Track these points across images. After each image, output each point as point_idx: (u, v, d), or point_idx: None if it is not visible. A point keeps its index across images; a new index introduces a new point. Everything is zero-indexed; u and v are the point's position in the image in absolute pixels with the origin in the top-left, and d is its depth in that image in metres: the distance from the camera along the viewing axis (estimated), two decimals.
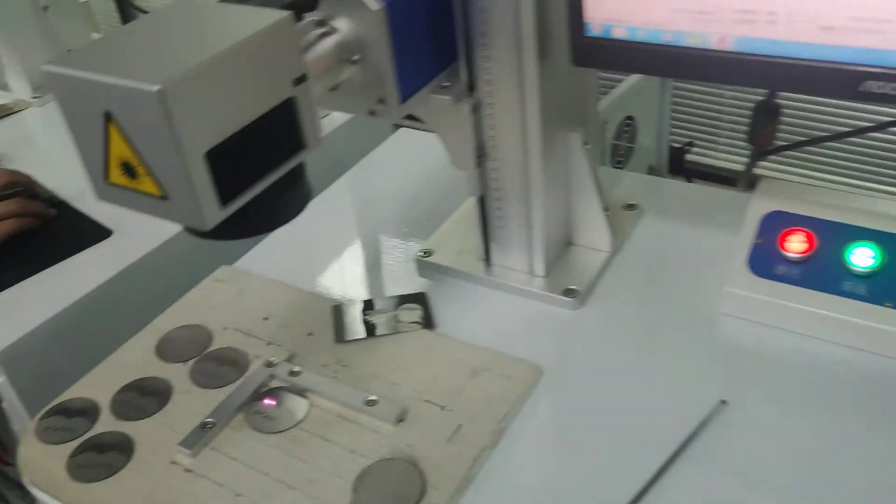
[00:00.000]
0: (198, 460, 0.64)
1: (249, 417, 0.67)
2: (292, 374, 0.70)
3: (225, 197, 0.50)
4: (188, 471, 0.63)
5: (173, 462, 0.64)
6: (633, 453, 0.62)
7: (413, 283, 0.81)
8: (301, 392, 0.69)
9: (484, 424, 0.65)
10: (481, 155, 0.74)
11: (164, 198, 0.49)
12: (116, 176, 0.51)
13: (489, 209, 0.77)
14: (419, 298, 0.78)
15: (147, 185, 0.49)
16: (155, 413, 0.69)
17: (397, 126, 1.09)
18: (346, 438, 0.65)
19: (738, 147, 2.33)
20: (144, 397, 0.70)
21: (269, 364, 0.71)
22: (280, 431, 0.66)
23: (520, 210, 0.75)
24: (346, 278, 0.83)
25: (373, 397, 0.67)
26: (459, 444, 0.63)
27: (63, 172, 1.05)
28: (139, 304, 0.83)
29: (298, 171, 0.58)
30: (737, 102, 2.27)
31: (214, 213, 0.50)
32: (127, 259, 0.88)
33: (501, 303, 0.78)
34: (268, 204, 0.55)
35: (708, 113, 2.35)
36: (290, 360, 0.72)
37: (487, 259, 0.81)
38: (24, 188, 0.95)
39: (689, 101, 2.35)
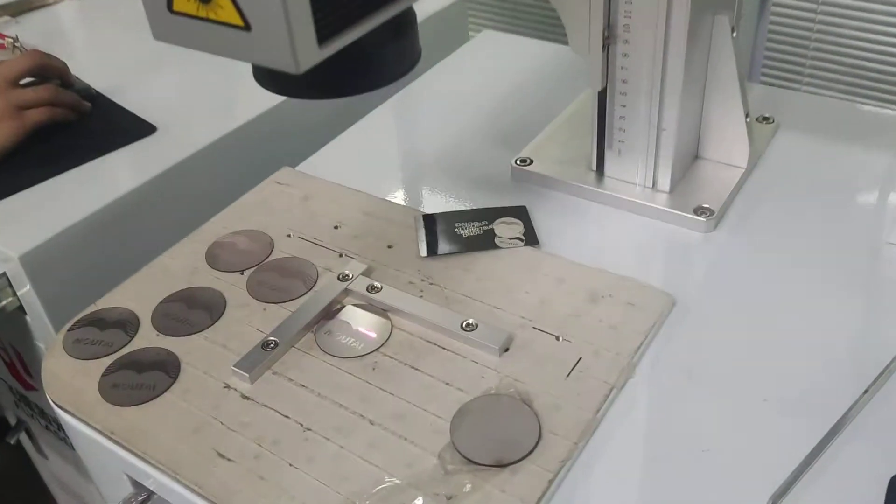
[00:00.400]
0: (257, 386, 0.52)
1: (320, 338, 0.55)
2: (371, 290, 0.58)
3: (323, 33, 0.37)
4: (245, 398, 0.52)
5: (227, 386, 0.52)
6: (788, 403, 0.49)
7: (509, 196, 0.68)
8: (382, 311, 0.57)
9: (610, 359, 0.52)
10: (608, 37, 0.60)
11: (246, 28, 0.37)
12: (184, 2, 0.38)
13: (611, 107, 0.64)
14: (519, 212, 0.65)
15: (225, 12, 0.37)
16: (205, 329, 0.57)
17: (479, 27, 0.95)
18: (439, 368, 0.52)
19: None
20: (193, 310, 0.58)
21: (343, 277, 0.59)
22: (358, 356, 0.54)
23: (649, 108, 0.62)
24: (430, 187, 0.71)
25: (471, 321, 0.54)
26: (582, 381, 0.51)
27: (100, 66, 0.93)
28: (186, 209, 0.71)
29: (408, 21, 0.45)
30: None
31: (309, 52, 0.37)
32: (172, 158, 0.76)
33: (616, 220, 0.65)
34: (371, 55, 0.42)
35: None
36: (367, 274, 0.60)
37: (600, 169, 0.68)
38: (57, 75, 0.83)
39: None
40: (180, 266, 0.63)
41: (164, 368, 0.54)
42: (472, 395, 0.50)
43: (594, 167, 0.68)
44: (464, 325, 0.54)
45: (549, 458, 0.46)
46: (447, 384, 0.51)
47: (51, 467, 0.99)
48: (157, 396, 0.52)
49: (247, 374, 0.52)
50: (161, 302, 0.60)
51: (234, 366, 0.53)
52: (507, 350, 0.53)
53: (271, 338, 0.55)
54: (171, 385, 0.53)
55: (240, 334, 0.56)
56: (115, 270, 0.63)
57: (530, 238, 0.63)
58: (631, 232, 0.64)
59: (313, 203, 0.68)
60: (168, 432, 0.50)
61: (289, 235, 0.65)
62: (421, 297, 0.58)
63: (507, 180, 0.71)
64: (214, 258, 0.63)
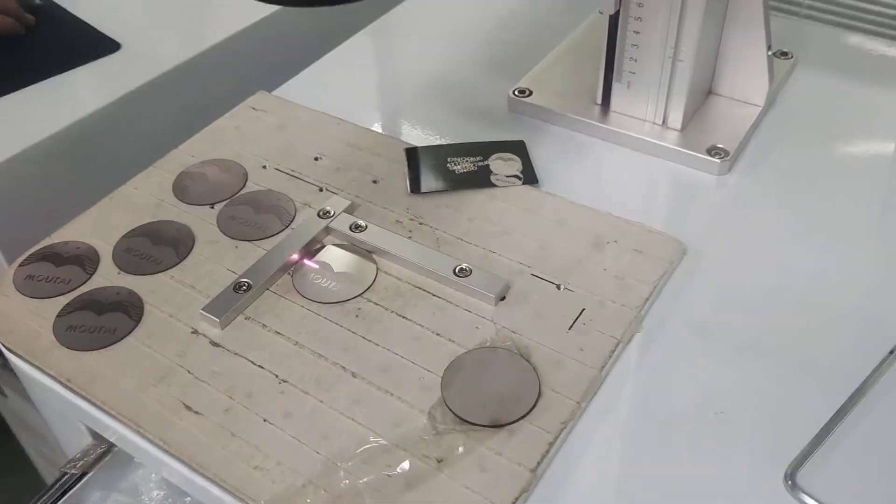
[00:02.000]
0: (228, 332, 0.47)
1: (297, 280, 0.50)
2: (355, 228, 0.53)
3: None
4: (215, 345, 0.47)
5: (195, 332, 0.48)
6: (807, 362, 0.45)
7: (505, 129, 0.63)
8: (367, 253, 0.52)
9: (616, 311, 0.48)
10: None
11: None
12: None
13: (622, 33, 0.58)
14: (516, 147, 0.60)
15: None
16: (171, 267, 0.52)
17: None
18: (429, 317, 0.48)
19: None
20: (158, 246, 0.53)
21: (324, 214, 0.54)
22: (339, 302, 0.49)
23: (665, 36, 0.56)
24: (419, 117, 0.65)
25: (464, 265, 0.50)
26: (585, 335, 0.46)
27: None
28: (152, 135, 0.65)
29: None
30: None
31: None
32: (137, 78, 0.70)
33: (622, 159, 0.60)
34: None
35: None
36: (350, 211, 0.55)
37: (605, 103, 0.62)
38: None
39: None
40: (145, 197, 0.57)
41: (126, 310, 0.49)
42: (465, 347, 0.46)
43: (599, 101, 0.63)
44: (457, 270, 0.49)
45: (550, 418, 0.42)
46: (438, 335, 0.47)
47: (9, 404, 0.94)
48: (118, 341, 0.47)
49: (217, 319, 0.47)
50: (123, 236, 0.54)
51: (203, 309, 0.48)
52: (503, 299, 0.49)
53: (244, 279, 0.49)
54: (133, 329, 0.48)
55: (209, 274, 0.51)
56: (72, 201, 0.57)
57: (529, 176, 0.58)
58: (638, 172, 0.59)
59: (291, 131, 0.63)
60: (130, 380, 0.45)
61: (264, 167, 0.59)
62: (409, 238, 0.53)
63: (504, 113, 0.65)
64: (182, 190, 0.58)
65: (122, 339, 0.47)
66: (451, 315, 0.48)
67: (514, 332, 0.47)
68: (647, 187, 0.58)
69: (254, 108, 0.65)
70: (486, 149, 0.60)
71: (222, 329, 0.48)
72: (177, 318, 0.48)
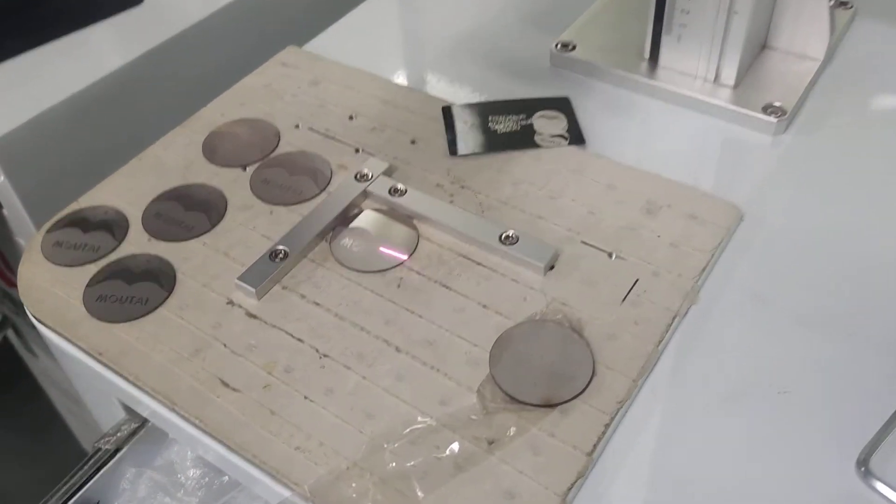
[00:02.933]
0: (265, 303, 0.45)
1: (336, 248, 0.48)
2: (394, 192, 0.50)
3: None
4: (252, 316, 0.45)
5: (230, 302, 0.46)
6: (878, 338, 0.42)
7: (547, 85, 0.60)
8: (407, 218, 0.49)
9: (671, 281, 0.45)
10: None
11: None
12: None
13: None
14: (561, 105, 0.57)
15: None
16: (203, 233, 0.50)
17: None
18: (475, 287, 0.45)
19: None
20: (189, 211, 0.51)
21: (362, 177, 0.51)
22: (380, 271, 0.47)
23: None
24: (456, 73, 0.62)
25: (510, 232, 0.47)
26: (639, 307, 0.44)
27: None
28: (179, 93, 0.62)
29: None
30: None
31: None
32: (162, 33, 0.67)
33: (671, 118, 0.57)
34: None
35: None
36: (388, 174, 0.52)
37: (654, 58, 0.59)
38: None
39: None
40: (174, 159, 0.55)
41: (158, 279, 0.47)
42: (513, 320, 0.44)
43: (647, 55, 0.59)
44: (502, 237, 0.47)
45: (605, 397, 0.40)
46: (484, 307, 0.44)
47: (41, 365, 0.94)
48: (151, 312, 0.46)
49: (253, 289, 0.45)
50: (153, 201, 0.52)
51: (239, 279, 0.46)
52: (552, 268, 0.46)
53: (280, 246, 0.47)
54: (165, 299, 0.46)
55: (243, 241, 0.49)
56: (100, 162, 0.55)
57: (575, 136, 0.55)
58: (688, 132, 0.56)
59: (324, 88, 0.60)
60: (163, 354, 0.43)
61: (297, 126, 0.57)
62: (451, 202, 0.50)
63: (546, 68, 0.62)
64: (212, 151, 0.55)
65: (155, 309, 0.46)
66: (498, 285, 0.45)
67: (564, 305, 0.44)
68: (699, 148, 0.55)
69: (284, 64, 0.62)
70: (529, 106, 0.57)
71: (258, 299, 0.46)
72: (211, 288, 0.46)
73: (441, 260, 0.47)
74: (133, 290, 0.47)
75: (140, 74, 0.65)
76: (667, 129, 0.56)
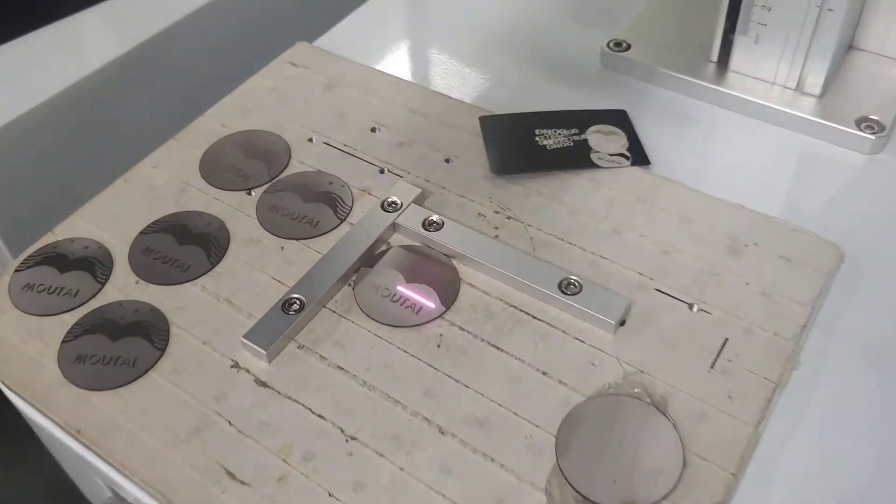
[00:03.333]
0: (278, 366, 0.38)
1: (361, 295, 0.40)
2: (429, 226, 0.42)
3: None
4: (262, 384, 0.37)
5: (235, 365, 0.38)
6: None
7: (598, 91, 0.52)
8: (445, 258, 0.42)
9: (767, 342, 0.37)
10: None
11: None
12: None
13: None
14: (617, 118, 0.49)
15: None
16: (202, 274, 0.42)
17: None
18: (532, 348, 0.38)
19: None
20: (184, 246, 0.43)
21: (390, 205, 0.43)
22: (415, 326, 0.39)
23: None
24: (492, 76, 0.54)
25: (573, 278, 0.39)
26: (732, 376, 0.36)
27: None
28: (172, 98, 0.54)
29: None
30: None
31: None
32: (152, 26, 0.58)
33: (745, 132, 0.49)
34: None
35: None
36: (420, 201, 0.44)
37: (723, 61, 0.51)
38: None
39: None
40: (166, 179, 0.47)
41: (147, 334, 0.39)
42: (581, 392, 0.36)
43: (715, 57, 0.51)
44: (563, 284, 0.39)
45: (700, 498, 0.32)
46: (544, 374, 0.37)
47: None
48: (139, 377, 0.38)
49: (263, 351, 0.37)
50: (141, 232, 0.44)
51: (245, 336, 0.38)
52: (623, 323, 0.38)
53: (294, 295, 0.39)
54: (157, 360, 0.38)
55: (250, 285, 0.41)
56: (79, 182, 0.47)
57: (638, 155, 0.47)
58: (766, 149, 0.48)
59: (341, 94, 0.51)
60: (155, 434, 0.36)
61: (310, 139, 0.49)
62: (496, 237, 0.42)
63: (596, 70, 0.54)
64: (212, 169, 0.47)
65: (144, 374, 0.38)
66: (559, 346, 0.38)
67: (641, 372, 0.36)
68: (780, 169, 0.47)
69: (293, 64, 0.54)
70: (582, 119, 0.49)
71: (269, 363, 0.38)
72: (212, 347, 0.39)
73: (488, 312, 0.39)
74: (118, 347, 0.39)
75: (128, 73, 0.57)
76: (740, 146, 0.48)
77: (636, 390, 0.36)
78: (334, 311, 0.40)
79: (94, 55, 0.55)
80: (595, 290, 0.39)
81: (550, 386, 0.36)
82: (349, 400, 0.36)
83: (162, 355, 0.38)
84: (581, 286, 0.39)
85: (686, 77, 0.51)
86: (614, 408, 0.35)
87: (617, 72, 0.53)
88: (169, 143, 0.49)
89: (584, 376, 0.36)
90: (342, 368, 0.37)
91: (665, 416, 0.35)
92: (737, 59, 0.50)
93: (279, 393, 0.37)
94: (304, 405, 0.36)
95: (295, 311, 0.39)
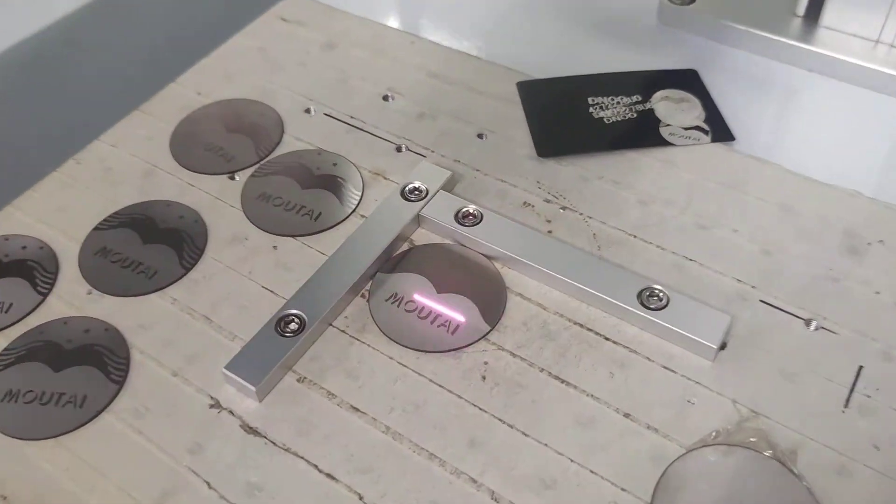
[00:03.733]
0: (271, 406, 0.28)
1: (379, 311, 0.31)
2: (463, 218, 0.33)
3: None
4: (251, 430, 0.28)
5: (216, 405, 0.28)
6: None
7: (657, 52, 0.42)
8: (486, 260, 0.32)
9: None
10: None
11: None
12: None
13: None
14: (687, 80, 0.40)
15: None
16: (173, 282, 0.32)
17: None
18: (606, 381, 0.28)
19: None
20: (151, 245, 0.34)
21: (412, 194, 0.34)
22: (452, 350, 0.29)
23: None
24: (529, 33, 0.44)
25: (657, 288, 0.30)
26: (873, 417, 0.27)
27: None
28: (138, 59, 0.44)
29: None
30: None
31: None
32: None
33: (841, 100, 0.40)
34: None
35: None
36: (450, 187, 0.35)
37: (812, 15, 0.42)
38: None
39: None
40: (128, 161, 0.37)
41: (101, 361, 0.30)
42: (677, 441, 0.27)
43: (802, 11, 0.42)
44: (644, 295, 0.30)
45: None
46: (626, 416, 0.28)
47: None
48: (90, 420, 0.28)
49: (251, 387, 0.28)
50: (96, 228, 0.34)
51: (229, 367, 0.29)
52: (723, 347, 0.29)
53: (292, 311, 0.30)
54: (113, 397, 0.29)
55: (234, 296, 0.32)
56: (19, 163, 0.37)
57: (718, 128, 0.37)
58: (874, 124, 0.39)
59: (344, 55, 0.42)
60: (109, 498, 0.26)
61: (307, 111, 0.39)
62: (549, 233, 0.33)
63: (653, 26, 0.44)
64: (186, 148, 0.38)
65: (96, 416, 0.28)
66: (643, 377, 0.29)
67: (754, 413, 0.27)
68: (890, 145, 0.38)
69: (284, 20, 0.44)
70: (644, 82, 0.40)
71: (261, 401, 0.28)
72: (184, 379, 0.29)
73: (546, 332, 0.30)
74: (62, 380, 0.29)
75: (85, 31, 0.47)
76: (837, 119, 0.39)
77: (752, 439, 0.27)
78: (344, 332, 0.30)
79: (41, 8, 0.45)
80: (686, 304, 0.30)
81: (636, 433, 0.27)
82: (368, 453, 0.27)
83: (120, 391, 0.29)
84: (667, 298, 0.30)
85: (765, 34, 0.42)
86: (726, 464, 0.26)
87: (678, 28, 0.44)
88: (132, 116, 0.39)
89: (680, 419, 0.27)
90: (357, 409, 0.28)
91: (794, 474, 0.26)
92: (830, 13, 0.41)
93: (274, 444, 0.27)
94: (307, 460, 0.27)
95: (293, 331, 0.30)
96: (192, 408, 0.29)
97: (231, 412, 0.28)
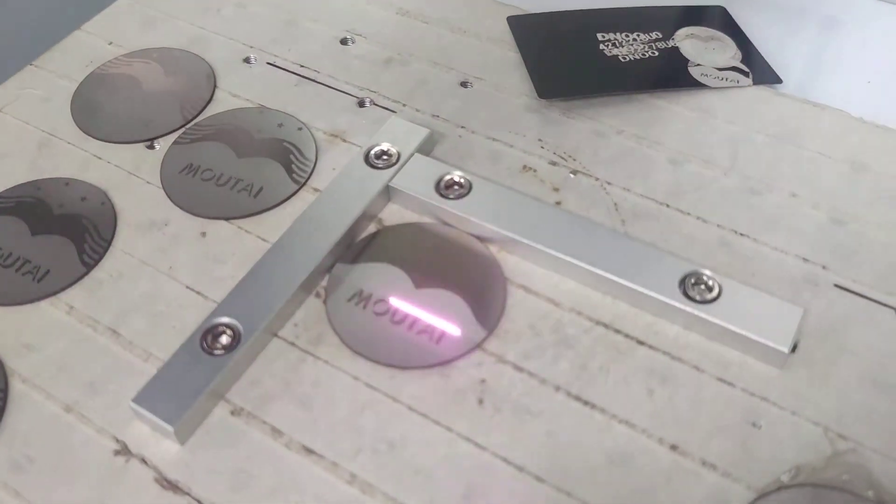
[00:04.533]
0: (195, 450, 0.21)
1: (339, 314, 0.23)
2: (446, 188, 0.25)
3: None
4: (169, 486, 0.20)
5: (122, 451, 0.21)
6: None
7: None
8: (477, 243, 0.25)
9: None
10: None
11: None
12: None
13: None
14: (714, 18, 0.32)
15: None
16: (69, 286, 0.25)
17: None
18: (643, 399, 0.21)
19: None
20: (41, 237, 0.26)
21: (380, 159, 0.26)
22: (437, 365, 0.22)
23: None
24: None
25: (705, 274, 0.23)
26: None
27: None
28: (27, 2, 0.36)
29: None
30: None
31: None
32: None
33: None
34: None
35: None
36: (427, 149, 0.27)
37: None
38: None
39: None
40: (16, 128, 0.29)
41: None
42: (743, 482, 0.20)
43: None
44: (688, 282, 0.23)
45: None
46: (673, 449, 0.20)
47: None
48: None
49: (169, 427, 0.21)
50: None
51: (138, 400, 0.21)
52: (794, 349, 0.22)
53: (224, 319, 0.22)
54: None
55: (149, 300, 0.24)
56: None
57: (761, 68, 0.30)
58: None
59: None
60: None
61: (246, 60, 0.31)
62: (558, 203, 0.26)
63: None
64: (91, 111, 0.30)
65: None
66: (690, 394, 0.21)
67: (841, 436, 0.20)
68: None
69: None
70: (663, 18, 0.32)
71: (182, 443, 0.21)
72: (81, 416, 0.22)
73: (561, 336, 0.23)
74: None
75: None
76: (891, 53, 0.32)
77: (845, 477, 0.20)
78: (294, 344, 0.23)
79: None
80: (742, 293, 0.23)
81: (688, 472, 0.20)
82: (325, 498, 0.20)
83: None
84: (718, 286, 0.23)
85: None
86: None
87: None
88: (23, 73, 0.31)
89: (745, 451, 0.20)
90: (312, 452, 0.21)
91: None
92: None
93: (200, 503, 0.20)
94: None
95: (224, 346, 0.22)
96: (90, 456, 0.21)
97: (143, 460, 0.21)
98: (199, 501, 0.20)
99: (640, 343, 0.23)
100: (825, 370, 0.22)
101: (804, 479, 0.20)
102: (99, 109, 0.30)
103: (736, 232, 0.25)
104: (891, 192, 0.26)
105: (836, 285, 0.24)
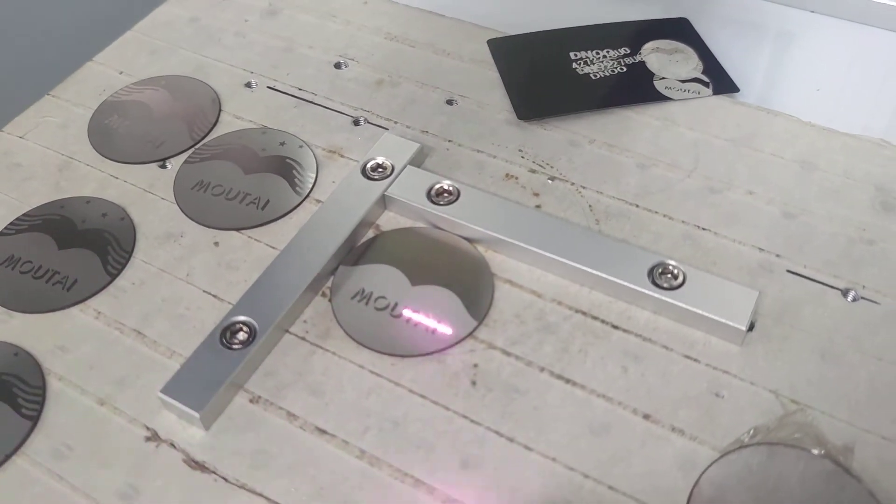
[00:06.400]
0: (219, 434, 0.23)
1: (344, 311, 0.26)
2: (437, 196, 0.28)
3: None
4: (197, 465, 0.23)
5: (153, 437, 0.23)
6: None
7: (638, 1, 0.38)
8: (468, 244, 0.28)
9: None
10: None
11: None
12: None
13: None
14: (677, 30, 0.35)
15: None
16: (96, 293, 0.27)
17: None
18: (619, 376, 0.24)
19: None
20: (68, 251, 0.28)
21: (375, 171, 0.29)
22: (434, 353, 0.25)
23: None
24: None
25: (670, 263, 0.26)
26: None
27: None
28: (49, 32, 0.39)
29: None
30: None
31: None
32: None
33: (857, 44, 0.35)
34: None
35: None
36: (419, 161, 0.30)
37: None
38: None
39: None
40: (38, 153, 0.32)
41: (10, 395, 0.25)
42: (709, 444, 0.22)
43: None
44: (656, 272, 0.25)
45: None
46: (646, 418, 0.23)
47: None
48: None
49: (195, 413, 0.23)
50: (1, 233, 0.29)
51: (166, 390, 0.23)
52: (751, 328, 0.25)
53: (239, 317, 0.25)
54: (26, 436, 0.24)
55: (169, 304, 0.27)
56: None
57: (720, 79, 0.33)
58: (882, 62, 0.35)
59: (288, 21, 0.37)
60: None
61: (248, 85, 0.34)
62: (538, 207, 0.28)
63: None
64: (107, 136, 0.32)
65: (5, 461, 0.23)
66: (662, 370, 0.24)
67: (795, 404, 0.23)
68: None
69: None
70: (631, 33, 0.35)
71: (207, 429, 0.23)
72: (113, 408, 0.24)
73: (544, 324, 0.25)
74: None
75: None
76: (843, 59, 0.35)
77: (797, 435, 0.22)
78: (304, 339, 0.26)
79: None
80: (704, 280, 0.25)
81: (660, 437, 0.23)
82: (341, 485, 0.22)
83: (33, 428, 0.24)
84: (683, 274, 0.25)
85: None
86: (768, 467, 0.22)
87: None
88: (42, 102, 0.34)
89: (710, 417, 0.23)
90: (325, 432, 0.23)
91: (851, 474, 0.22)
92: None
93: (225, 480, 0.23)
94: (267, 498, 0.22)
95: (241, 342, 0.25)
96: (124, 443, 0.24)
97: (172, 445, 0.23)
98: (224, 478, 0.23)
99: (615, 327, 0.25)
100: (779, 345, 0.25)
101: (761, 439, 0.23)
102: (113, 133, 0.32)
103: (699, 227, 0.28)
104: (836, 188, 0.29)
105: (789, 271, 0.26)
